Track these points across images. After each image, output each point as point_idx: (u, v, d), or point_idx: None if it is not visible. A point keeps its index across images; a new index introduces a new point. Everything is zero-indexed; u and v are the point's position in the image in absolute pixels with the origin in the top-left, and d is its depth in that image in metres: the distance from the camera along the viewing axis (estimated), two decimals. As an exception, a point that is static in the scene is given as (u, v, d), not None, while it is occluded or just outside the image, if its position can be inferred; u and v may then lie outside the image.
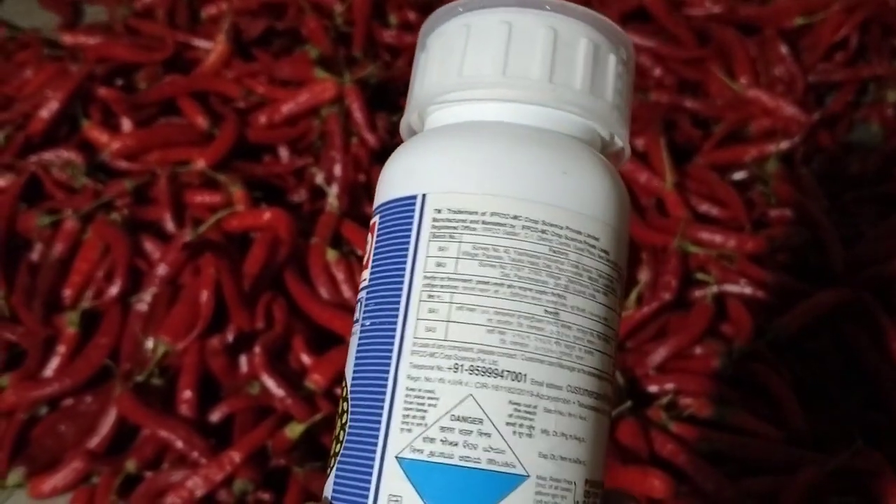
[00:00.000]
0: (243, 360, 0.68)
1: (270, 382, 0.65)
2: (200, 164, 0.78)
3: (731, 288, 0.70)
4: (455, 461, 0.22)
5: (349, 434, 0.24)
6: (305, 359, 0.67)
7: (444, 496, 0.22)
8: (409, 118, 0.28)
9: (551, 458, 0.23)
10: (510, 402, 0.23)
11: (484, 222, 0.24)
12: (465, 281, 0.24)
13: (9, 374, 0.67)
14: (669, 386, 0.66)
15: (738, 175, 0.80)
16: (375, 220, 0.26)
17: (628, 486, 0.58)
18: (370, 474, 0.23)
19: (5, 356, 0.69)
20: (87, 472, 0.63)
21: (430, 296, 0.24)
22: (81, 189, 0.76)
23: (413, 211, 0.25)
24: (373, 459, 0.23)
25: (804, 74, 0.87)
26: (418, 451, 0.23)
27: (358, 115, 0.81)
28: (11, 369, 0.67)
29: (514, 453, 0.23)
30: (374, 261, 0.26)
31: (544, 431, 0.23)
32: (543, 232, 0.24)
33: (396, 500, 0.23)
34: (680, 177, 0.77)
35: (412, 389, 0.23)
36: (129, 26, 0.94)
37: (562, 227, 0.24)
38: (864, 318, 0.68)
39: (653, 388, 0.66)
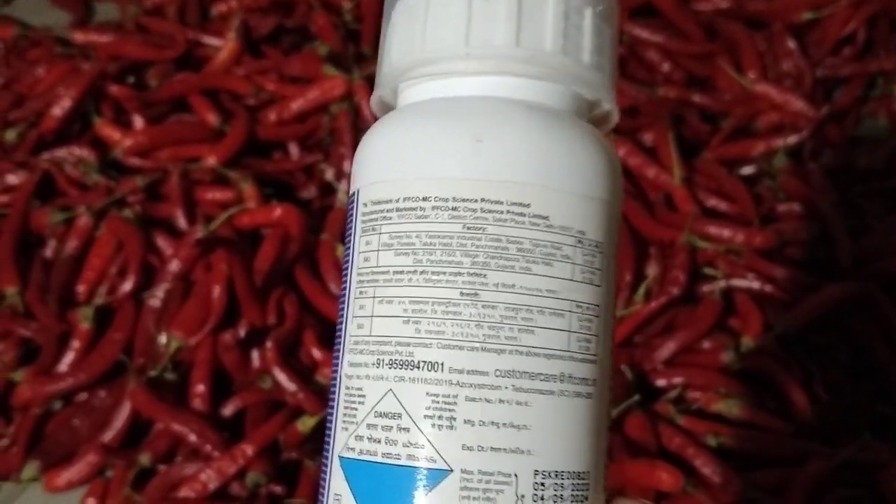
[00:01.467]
0: (255, 355, 0.68)
1: (282, 377, 0.65)
2: (211, 160, 0.78)
3: (739, 282, 0.70)
4: (378, 458, 0.22)
5: (324, 437, 0.24)
6: (316, 353, 0.67)
7: (371, 494, 0.22)
8: (378, 94, 0.27)
9: (479, 449, 0.21)
10: (427, 393, 0.22)
11: (398, 209, 0.23)
12: (384, 273, 0.23)
13: (23, 370, 0.67)
14: (677, 380, 0.66)
15: (747, 170, 0.80)
16: None
17: (636, 480, 0.58)
18: (325, 474, 0.23)
19: (20, 351, 0.69)
20: (101, 465, 0.63)
21: (360, 292, 0.23)
22: (94, 186, 0.77)
23: (353, 209, 0.24)
24: (327, 459, 0.24)
25: (812, 69, 0.87)
26: (351, 449, 0.22)
27: (367, 111, 0.81)
28: (26, 364, 0.68)
29: (433, 447, 0.21)
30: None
31: (468, 422, 0.21)
32: (454, 209, 0.22)
33: (338, 499, 0.23)
34: (688, 171, 0.77)
35: (348, 388, 0.23)
36: (140, 24, 0.95)
37: (475, 200, 0.22)
38: (872, 311, 0.68)
39: (661, 383, 0.66)
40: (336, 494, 0.23)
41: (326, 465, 0.23)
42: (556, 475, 0.22)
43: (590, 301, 0.23)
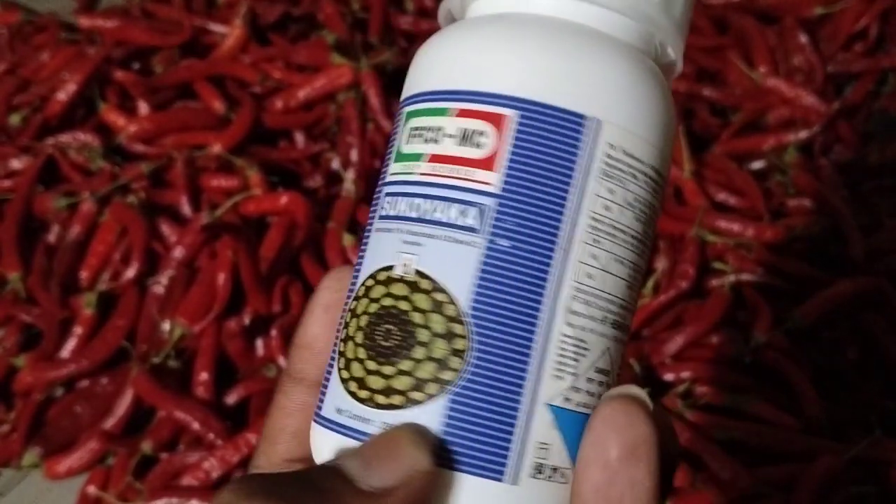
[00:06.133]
0: (260, 343, 0.68)
1: (286, 365, 0.65)
2: (217, 148, 0.78)
3: (748, 277, 0.70)
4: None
5: (476, 368, 0.22)
6: (321, 343, 0.67)
7: None
8: (447, 6, 0.25)
9: None
10: (622, 355, 0.23)
11: (644, 174, 0.23)
12: (622, 231, 0.22)
13: (25, 355, 0.67)
14: (686, 374, 0.65)
15: (757, 164, 0.80)
16: (511, 114, 0.22)
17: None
18: (514, 419, 0.22)
19: (22, 337, 0.69)
20: (102, 452, 0.63)
21: (594, 240, 0.22)
22: (98, 172, 0.76)
23: (580, 134, 0.22)
24: (518, 403, 0.22)
25: (823, 64, 0.86)
26: (568, 400, 0.22)
27: (374, 100, 0.81)
28: (28, 350, 0.68)
29: None
30: (511, 168, 0.22)
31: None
32: (653, 180, 0.23)
33: (545, 449, 0.22)
34: (698, 165, 0.77)
35: (568, 336, 0.22)
36: (146, 10, 0.94)
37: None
38: (882, 306, 0.67)
39: (669, 377, 0.66)
40: (543, 444, 0.22)
41: (511, 411, 0.22)
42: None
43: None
